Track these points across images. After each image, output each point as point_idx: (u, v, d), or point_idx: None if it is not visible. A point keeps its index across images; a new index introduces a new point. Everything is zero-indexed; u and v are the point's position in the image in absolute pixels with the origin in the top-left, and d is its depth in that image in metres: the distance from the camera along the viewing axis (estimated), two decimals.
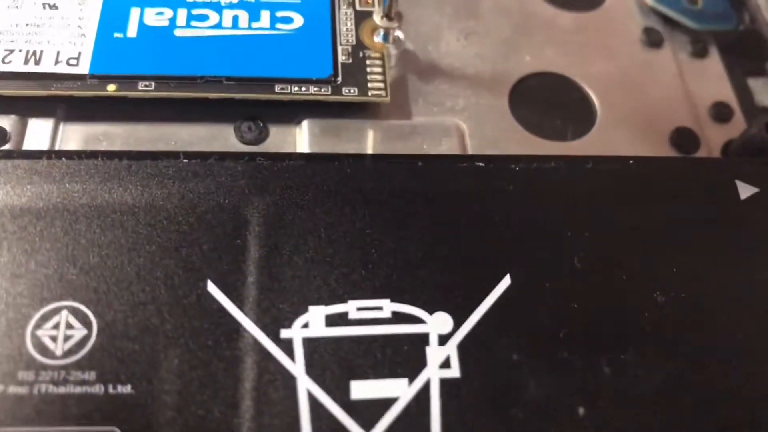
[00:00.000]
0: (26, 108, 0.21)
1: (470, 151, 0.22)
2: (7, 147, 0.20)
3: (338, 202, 0.19)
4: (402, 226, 0.19)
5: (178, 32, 0.22)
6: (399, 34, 0.23)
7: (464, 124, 0.23)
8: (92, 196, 0.18)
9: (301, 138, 0.22)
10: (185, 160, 0.19)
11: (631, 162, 0.21)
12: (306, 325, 0.17)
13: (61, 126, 0.21)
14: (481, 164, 0.20)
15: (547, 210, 0.20)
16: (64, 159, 0.19)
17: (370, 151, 0.22)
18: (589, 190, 0.20)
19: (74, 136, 0.21)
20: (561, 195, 0.20)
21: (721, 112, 0.24)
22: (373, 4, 0.24)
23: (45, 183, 0.18)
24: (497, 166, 0.20)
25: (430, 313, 0.18)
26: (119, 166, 0.19)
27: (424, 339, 0.17)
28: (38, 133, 0.21)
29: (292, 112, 0.22)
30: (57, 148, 0.21)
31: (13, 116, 0.21)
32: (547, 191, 0.20)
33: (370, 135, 0.22)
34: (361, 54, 0.22)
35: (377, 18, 0.22)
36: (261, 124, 0.22)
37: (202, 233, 0.18)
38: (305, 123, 0.22)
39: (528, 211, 0.20)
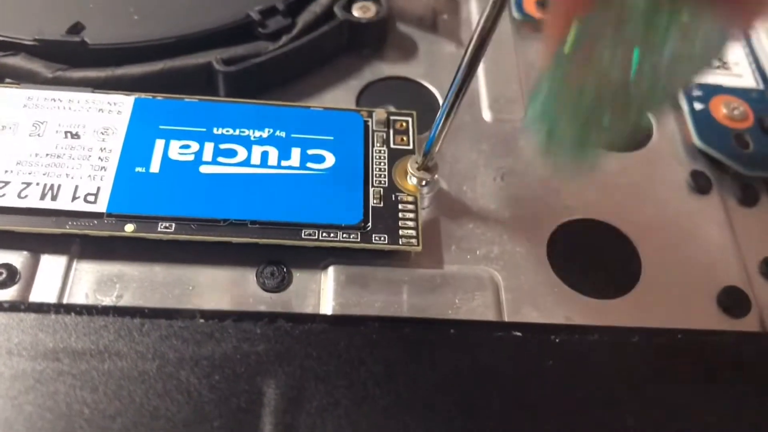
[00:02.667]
0: (39, 244, 0.20)
1: (505, 307, 0.21)
2: (15, 288, 0.19)
3: (362, 374, 0.18)
4: (431, 405, 0.17)
5: (203, 168, 0.21)
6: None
7: (499, 275, 0.21)
8: (100, 358, 0.17)
9: (326, 285, 0.20)
10: (201, 320, 0.18)
11: (679, 336, 0.19)
12: None
13: (75, 264, 0.20)
14: (518, 334, 0.19)
15: (589, 390, 0.18)
16: (73, 314, 0.18)
17: (399, 304, 0.20)
18: (634, 367, 0.19)
19: (87, 276, 0.20)
20: (604, 372, 0.18)
21: None
22: (408, 143, 0.22)
23: (51, 341, 0.17)
24: (536, 337, 0.19)
25: None
26: (131, 325, 0.18)
27: None
28: (50, 272, 0.20)
29: (318, 256, 0.21)
30: (69, 287, 0.20)
31: (24, 252, 0.20)
32: (589, 368, 0.18)
33: (400, 286, 0.21)
34: (393, 197, 0.21)
35: (412, 168, 0.21)
36: (284, 269, 0.20)
37: (214, 407, 0.17)
38: (331, 269, 0.21)
39: (568, 390, 0.18)
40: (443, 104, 0.19)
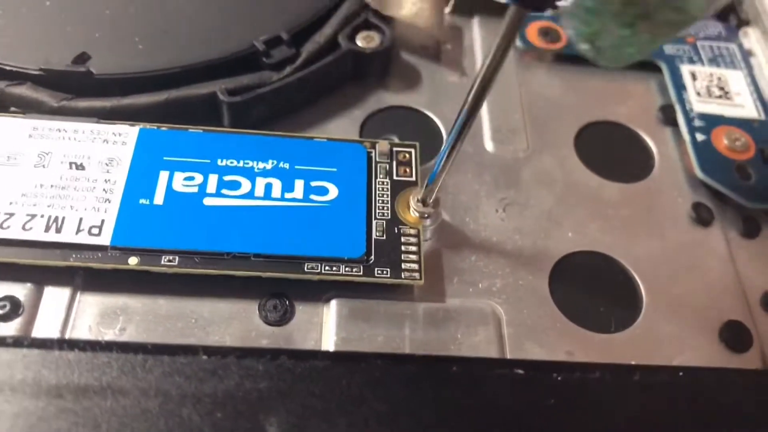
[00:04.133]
0: (43, 276, 0.20)
1: (507, 341, 0.21)
2: (19, 320, 0.19)
3: (364, 411, 0.18)
4: None
5: (207, 201, 0.21)
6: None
7: (501, 308, 0.21)
8: (103, 395, 0.17)
9: (329, 319, 0.21)
10: (204, 357, 0.18)
11: (681, 374, 0.19)
12: None
13: (78, 296, 0.20)
14: (520, 371, 0.19)
15: (590, 429, 0.18)
16: (76, 350, 0.18)
17: (401, 339, 0.20)
18: (635, 406, 0.19)
19: (91, 309, 0.20)
20: (605, 411, 0.18)
21: None
22: (410, 175, 0.23)
23: (54, 377, 0.17)
24: (537, 375, 0.19)
25: None
26: (134, 361, 0.18)
27: None
28: (53, 304, 0.20)
29: (321, 289, 0.21)
30: (72, 319, 0.20)
31: (28, 284, 0.20)
32: (591, 406, 0.18)
33: (402, 320, 0.21)
34: (396, 230, 0.21)
35: (414, 202, 0.21)
36: (287, 303, 0.21)
37: None
38: (334, 303, 0.21)
39: (569, 428, 0.18)
40: (446, 140, 0.19)
